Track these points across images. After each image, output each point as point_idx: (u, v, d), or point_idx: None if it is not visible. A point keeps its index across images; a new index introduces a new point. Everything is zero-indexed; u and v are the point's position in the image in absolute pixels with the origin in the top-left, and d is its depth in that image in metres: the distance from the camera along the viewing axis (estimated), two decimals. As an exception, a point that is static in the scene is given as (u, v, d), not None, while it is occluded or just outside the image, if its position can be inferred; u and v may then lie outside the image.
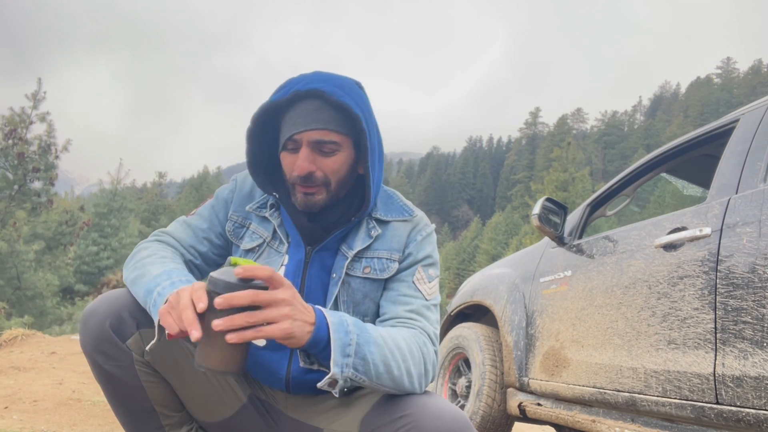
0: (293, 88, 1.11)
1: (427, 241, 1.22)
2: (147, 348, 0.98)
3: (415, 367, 1.03)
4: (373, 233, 1.19)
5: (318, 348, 0.93)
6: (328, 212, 1.16)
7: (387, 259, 1.18)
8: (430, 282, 1.19)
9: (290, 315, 0.86)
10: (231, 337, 0.81)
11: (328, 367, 0.94)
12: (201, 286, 0.87)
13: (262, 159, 1.22)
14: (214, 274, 0.87)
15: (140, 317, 1.06)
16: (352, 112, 1.10)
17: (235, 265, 0.88)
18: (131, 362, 1.06)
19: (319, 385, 0.94)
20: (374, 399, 1.09)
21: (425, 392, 1.06)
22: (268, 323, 0.85)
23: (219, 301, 0.81)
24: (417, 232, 1.22)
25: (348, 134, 1.14)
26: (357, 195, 1.20)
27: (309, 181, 1.11)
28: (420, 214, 1.26)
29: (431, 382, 1.09)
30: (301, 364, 0.96)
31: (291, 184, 1.15)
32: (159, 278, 1.03)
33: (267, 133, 1.20)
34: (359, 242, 1.19)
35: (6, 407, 2.61)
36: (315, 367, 0.96)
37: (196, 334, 0.82)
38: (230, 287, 0.84)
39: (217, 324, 0.81)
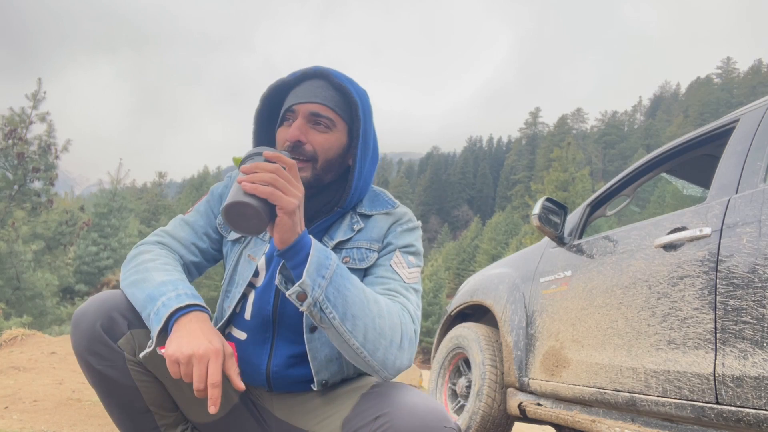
0: (302, 71, 1.18)
1: (409, 233, 1.23)
2: (140, 355, 0.99)
3: (389, 331, 1.01)
4: (356, 227, 1.20)
5: (297, 259, 0.95)
6: (312, 200, 1.17)
7: (366, 249, 1.19)
8: (409, 267, 1.18)
9: (298, 202, 0.94)
10: (246, 185, 0.90)
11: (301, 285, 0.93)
12: (234, 370, 0.96)
13: (264, 143, 1.26)
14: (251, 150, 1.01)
15: (131, 317, 1.07)
16: (351, 96, 1.16)
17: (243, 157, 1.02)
18: (123, 362, 1.05)
19: (288, 293, 0.93)
20: (354, 399, 1.10)
21: (405, 387, 1.04)
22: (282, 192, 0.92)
23: (246, 166, 0.92)
24: (398, 224, 1.23)
25: (343, 117, 1.17)
26: (343, 187, 1.20)
27: (297, 150, 1.12)
28: (404, 209, 1.26)
29: (408, 366, 1.06)
30: (276, 282, 0.97)
31: None
32: (164, 287, 1.03)
33: (271, 120, 1.25)
34: (341, 234, 1.20)
35: (6, 407, 2.61)
36: (290, 290, 0.94)
37: (213, 409, 0.89)
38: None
39: (245, 169, 0.92)
